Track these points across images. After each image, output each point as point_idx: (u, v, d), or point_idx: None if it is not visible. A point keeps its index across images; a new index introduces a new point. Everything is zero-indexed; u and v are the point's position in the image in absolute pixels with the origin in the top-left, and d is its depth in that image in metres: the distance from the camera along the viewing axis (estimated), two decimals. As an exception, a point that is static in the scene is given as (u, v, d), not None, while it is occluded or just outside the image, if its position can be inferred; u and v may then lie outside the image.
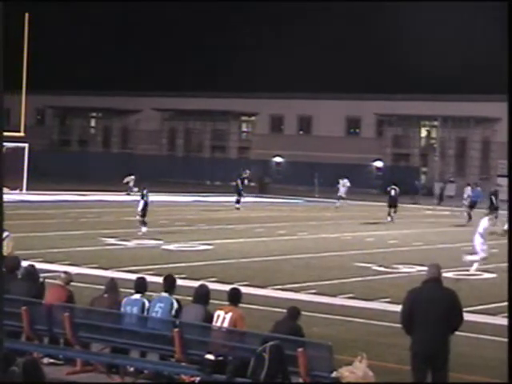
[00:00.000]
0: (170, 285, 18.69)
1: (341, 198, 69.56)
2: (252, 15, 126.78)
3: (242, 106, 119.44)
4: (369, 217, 64.12)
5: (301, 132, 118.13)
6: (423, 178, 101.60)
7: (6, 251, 22.86)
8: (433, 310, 16.43)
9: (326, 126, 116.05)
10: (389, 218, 58.67)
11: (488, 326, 24.94)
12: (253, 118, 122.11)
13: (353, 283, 31.83)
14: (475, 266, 36.39)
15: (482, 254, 36.73)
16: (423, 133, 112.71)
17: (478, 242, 37.16)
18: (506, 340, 23.42)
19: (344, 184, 70.93)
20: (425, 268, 17.70)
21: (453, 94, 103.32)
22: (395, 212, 62.51)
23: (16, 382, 16.99)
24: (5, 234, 25.07)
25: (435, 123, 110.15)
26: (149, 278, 20.25)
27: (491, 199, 64.11)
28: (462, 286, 30.13)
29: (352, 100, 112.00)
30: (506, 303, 28.57)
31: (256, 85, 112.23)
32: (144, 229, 43.22)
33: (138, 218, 43.76)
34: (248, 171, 72.02)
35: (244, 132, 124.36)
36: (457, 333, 17.26)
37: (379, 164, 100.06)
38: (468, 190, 67.06)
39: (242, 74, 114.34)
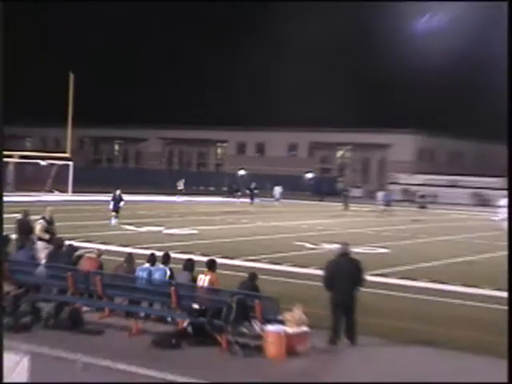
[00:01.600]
0: (165, 259, 19.19)
1: (276, 199, 69.33)
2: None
3: (218, 136, 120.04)
4: (303, 211, 64.19)
5: (257, 154, 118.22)
6: (340, 184, 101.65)
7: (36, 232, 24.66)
8: (344, 274, 17.03)
9: (274, 150, 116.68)
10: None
11: (382, 285, 24.96)
12: (225, 144, 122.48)
13: (293, 256, 31.85)
14: None
15: None
16: (340, 154, 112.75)
17: None
18: (397, 294, 23.62)
19: (278, 190, 71.11)
20: (339, 246, 17.85)
21: (360, 127, 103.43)
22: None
23: (64, 324, 17.30)
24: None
25: (348, 147, 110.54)
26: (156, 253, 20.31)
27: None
28: (365, 257, 30.20)
29: (291, 132, 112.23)
30: (397, 268, 28.85)
31: (227, 121, 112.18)
32: (114, 221, 42.50)
33: (112, 213, 43.08)
34: (254, 183, 73.16)
35: (219, 153, 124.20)
36: (362, 289, 17.38)
37: (310, 175, 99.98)
38: (380, 195, 67.27)
39: (217, 114, 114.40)
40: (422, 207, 67.54)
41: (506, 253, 36.72)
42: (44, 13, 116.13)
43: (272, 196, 72.99)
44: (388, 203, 64.05)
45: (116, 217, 42.51)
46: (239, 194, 76.70)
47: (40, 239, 23.81)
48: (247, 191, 68.38)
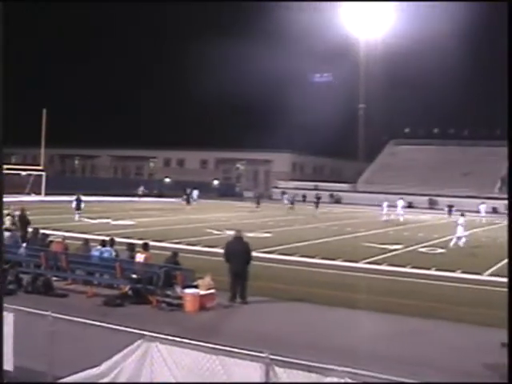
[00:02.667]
0: (111, 242, 19.28)
1: (194, 199, 68.55)
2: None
3: (150, 154, 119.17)
4: (212, 208, 64.10)
5: (179, 166, 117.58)
6: (237, 189, 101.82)
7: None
8: (238, 251, 17.27)
9: (191, 164, 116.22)
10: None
11: (268, 259, 25.11)
12: (155, 159, 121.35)
13: (204, 239, 31.76)
14: None
15: None
16: (237, 167, 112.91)
17: None
18: (278, 265, 23.82)
19: (195, 193, 70.12)
20: (234, 231, 17.99)
21: (251, 148, 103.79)
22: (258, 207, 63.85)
23: (39, 290, 17.13)
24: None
25: (243, 162, 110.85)
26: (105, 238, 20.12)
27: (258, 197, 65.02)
28: (255, 240, 30.36)
29: (203, 151, 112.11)
30: (277, 247, 29.05)
31: (157, 143, 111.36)
32: (77, 216, 41.43)
33: (75, 211, 41.96)
34: (189, 189, 71.04)
35: (151, 167, 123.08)
36: (253, 262, 17.50)
37: (216, 182, 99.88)
38: (286, 196, 67.47)
39: (149, 138, 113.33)
40: (291, 204, 64.42)
41: (353, 235, 37.62)
42: None
43: (191, 197, 72.39)
44: (292, 201, 63.87)
45: (78, 213, 41.76)
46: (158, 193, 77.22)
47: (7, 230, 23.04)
48: (184, 196, 66.50)
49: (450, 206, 55.74)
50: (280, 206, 67.29)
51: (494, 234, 42.08)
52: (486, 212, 58.45)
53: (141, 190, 73.84)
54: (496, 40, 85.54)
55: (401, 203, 54.86)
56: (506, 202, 76.46)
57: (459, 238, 32.96)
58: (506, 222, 55.38)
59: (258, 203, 64.96)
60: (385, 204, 55.35)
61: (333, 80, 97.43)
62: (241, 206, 68.18)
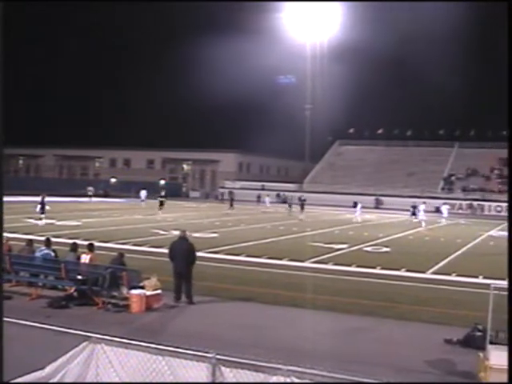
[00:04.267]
0: (47, 242, 19.05)
1: (142, 200, 67.60)
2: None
3: (96, 153, 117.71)
4: (156, 208, 63.71)
5: (125, 166, 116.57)
6: (184, 189, 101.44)
7: None
8: (182, 251, 17.25)
9: (137, 164, 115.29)
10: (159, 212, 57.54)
11: (214, 259, 25.13)
12: (101, 159, 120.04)
13: (151, 239, 31.61)
14: None
15: None
16: (184, 167, 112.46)
17: None
18: (224, 265, 23.84)
19: (143, 193, 69.10)
20: (180, 231, 17.98)
21: (198, 148, 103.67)
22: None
23: None
24: None
25: (190, 162, 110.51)
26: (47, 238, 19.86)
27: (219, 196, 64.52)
28: (202, 240, 30.32)
29: (149, 151, 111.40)
30: (224, 247, 29.07)
31: (103, 142, 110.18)
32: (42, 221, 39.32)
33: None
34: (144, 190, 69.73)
35: (96, 166, 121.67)
36: (198, 263, 17.53)
37: (163, 182, 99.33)
38: (226, 193, 66.67)
39: (95, 137, 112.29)
40: (230, 203, 63.11)
41: (297, 235, 37.85)
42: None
43: (138, 197, 71.47)
44: (232, 198, 63.20)
45: (41, 218, 39.06)
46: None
47: None
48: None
49: (414, 207, 56.17)
50: (225, 205, 67.32)
51: (436, 233, 42.85)
52: (426, 211, 59.50)
53: (90, 190, 72.78)
54: (439, 36, 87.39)
55: (359, 206, 56.11)
56: (448, 201, 78.13)
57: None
58: (449, 222, 56.49)
59: (232, 205, 62.30)
60: (359, 206, 56.11)
61: (296, 82, 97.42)
62: (187, 206, 68.01)
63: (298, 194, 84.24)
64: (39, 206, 39.76)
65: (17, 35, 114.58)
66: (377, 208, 77.34)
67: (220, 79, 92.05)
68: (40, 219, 38.83)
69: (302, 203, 57.09)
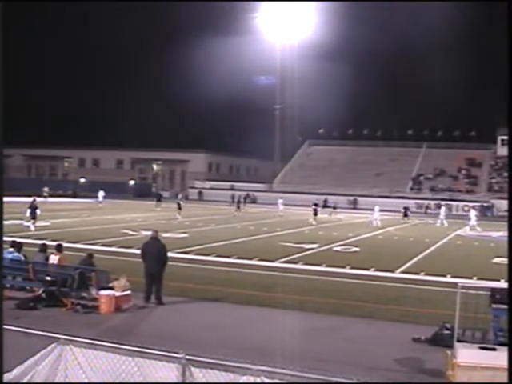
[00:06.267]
0: (18, 245, 18.95)
1: (99, 201, 66.01)
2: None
3: (65, 153, 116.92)
4: (128, 208, 63.39)
5: (94, 166, 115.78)
6: (154, 189, 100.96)
7: None
8: (153, 252, 17.23)
9: (106, 164, 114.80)
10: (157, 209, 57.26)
11: (185, 259, 25.07)
12: (70, 159, 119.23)
13: (120, 240, 31.44)
14: None
15: None
16: (153, 167, 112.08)
17: None
18: (194, 265, 23.80)
19: (101, 193, 67.51)
20: (151, 232, 17.94)
21: (167, 148, 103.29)
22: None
23: None
24: None
25: (159, 162, 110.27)
26: (19, 240, 19.68)
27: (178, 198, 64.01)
28: (172, 240, 30.22)
29: (119, 151, 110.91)
30: (194, 247, 29.02)
31: (72, 142, 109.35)
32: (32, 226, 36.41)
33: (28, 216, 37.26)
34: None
35: (65, 166, 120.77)
36: (171, 263, 17.50)
37: (132, 182, 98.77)
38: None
39: (64, 137, 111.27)
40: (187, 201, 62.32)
41: (269, 235, 37.92)
42: None
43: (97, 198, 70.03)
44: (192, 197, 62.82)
45: (32, 223, 36.63)
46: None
47: None
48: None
49: (406, 209, 56.59)
50: (195, 205, 67.23)
51: (405, 233, 43.22)
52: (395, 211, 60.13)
53: (45, 190, 71.68)
54: (412, 35, 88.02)
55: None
56: (417, 201, 78.67)
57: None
58: (416, 221, 57.02)
59: (239, 207, 59.69)
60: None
61: (275, 82, 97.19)
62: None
63: (268, 194, 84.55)
64: (29, 211, 37.65)
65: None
66: (354, 208, 78.00)
67: (190, 80, 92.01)
68: (29, 221, 36.89)
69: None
